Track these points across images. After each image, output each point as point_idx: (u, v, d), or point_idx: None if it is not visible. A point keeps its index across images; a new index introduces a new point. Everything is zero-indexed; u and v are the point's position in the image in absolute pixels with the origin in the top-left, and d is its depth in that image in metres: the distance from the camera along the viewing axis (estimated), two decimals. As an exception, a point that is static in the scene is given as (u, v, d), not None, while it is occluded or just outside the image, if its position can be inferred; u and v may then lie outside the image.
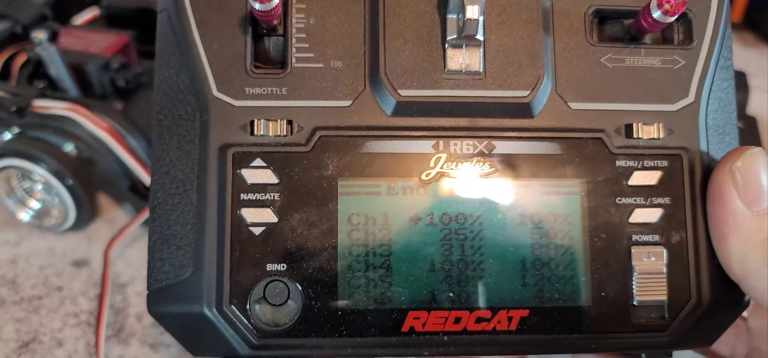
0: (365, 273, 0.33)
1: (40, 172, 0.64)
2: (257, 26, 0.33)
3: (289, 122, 0.33)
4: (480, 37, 0.33)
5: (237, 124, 0.33)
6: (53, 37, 0.72)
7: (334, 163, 0.33)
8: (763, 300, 0.31)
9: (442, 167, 0.33)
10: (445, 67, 0.33)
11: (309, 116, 0.33)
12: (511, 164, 0.33)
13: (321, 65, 0.33)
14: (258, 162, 0.33)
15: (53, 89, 0.71)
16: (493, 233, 0.33)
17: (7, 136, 0.67)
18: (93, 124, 0.65)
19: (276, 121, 0.33)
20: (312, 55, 0.33)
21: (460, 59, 0.33)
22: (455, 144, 0.33)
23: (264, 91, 0.33)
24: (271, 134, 0.33)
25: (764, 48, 0.96)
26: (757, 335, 0.38)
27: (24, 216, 0.70)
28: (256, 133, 0.32)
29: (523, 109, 0.33)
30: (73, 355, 0.60)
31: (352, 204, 0.33)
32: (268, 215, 0.32)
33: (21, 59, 0.75)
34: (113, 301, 0.64)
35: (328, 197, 0.33)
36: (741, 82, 0.84)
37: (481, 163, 0.33)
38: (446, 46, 0.33)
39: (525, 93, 0.33)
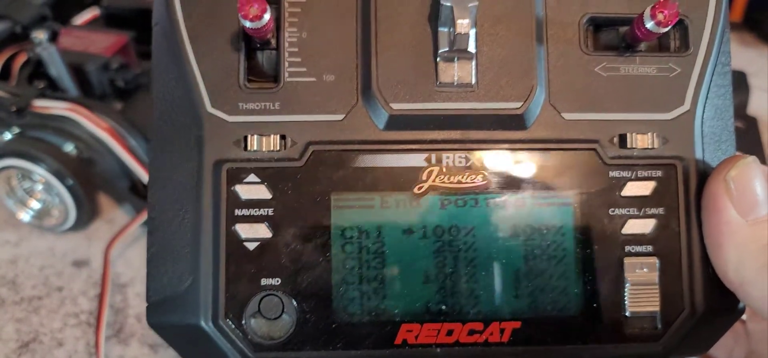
0: (359, 286, 0.33)
1: (40, 172, 0.64)
2: (250, 40, 0.33)
3: (282, 137, 0.33)
4: (472, 49, 0.33)
5: (231, 139, 0.33)
6: (53, 37, 0.72)
7: (327, 177, 0.33)
8: (759, 308, 0.31)
9: (434, 180, 0.33)
10: (437, 79, 0.33)
11: (302, 131, 0.33)
12: (503, 176, 0.33)
13: (313, 79, 0.33)
14: (252, 178, 0.33)
15: (53, 89, 0.71)
16: (486, 245, 0.33)
17: (7, 136, 0.68)
18: (93, 125, 0.66)
19: (269, 136, 0.33)
20: (304, 69, 0.33)
21: (452, 72, 0.33)
22: (448, 157, 0.33)
23: (257, 106, 0.33)
24: (264, 149, 0.33)
25: (764, 48, 0.96)
26: (756, 338, 0.38)
27: (24, 216, 0.70)
28: (249, 148, 0.33)
29: (516, 121, 0.33)
30: (73, 355, 0.60)
31: (345, 218, 0.33)
32: (262, 231, 0.32)
33: (21, 59, 0.75)
34: (113, 301, 0.64)
35: (321, 212, 0.33)
36: (741, 82, 0.84)
37: (474, 176, 0.33)
38: (438, 59, 0.33)
39: (517, 104, 0.33)
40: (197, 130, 0.33)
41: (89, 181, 0.67)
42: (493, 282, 0.33)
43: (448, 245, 0.33)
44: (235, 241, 0.32)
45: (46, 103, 0.67)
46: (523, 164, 0.33)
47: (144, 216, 0.66)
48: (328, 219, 0.33)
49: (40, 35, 0.69)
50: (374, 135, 0.33)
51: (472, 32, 0.32)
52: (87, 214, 0.68)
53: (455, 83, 0.33)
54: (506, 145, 0.33)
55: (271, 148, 0.33)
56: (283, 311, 0.32)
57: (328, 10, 0.33)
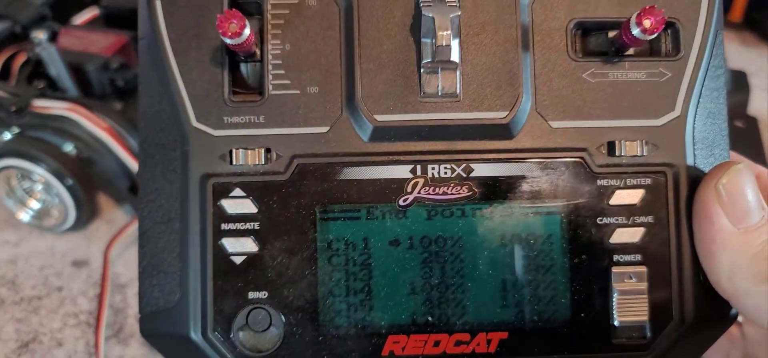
0: (346, 298, 0.33)
1: (39, 172, 0.64)
2: (234, 53, 0.33)
3: (267, 150, 0.33)
4: (455, 59, 0.32)
5: (216, 153, 0.33)
6: (53, 37, 0.72)
7: (312, 190, 0.33)
8: (754, 317, 0.31)
9: (420, 192, 0.33)
10: (421, 90, 0.33)
11: (287, 144, 0.33)
12: (490, 187, 0.33)
13: (297, 92, 0.33)
14: (237, 192, 0.33)
15: (53, 89, 0.71)
16: (472, 255, 0.33)
17: (7, 136, 0.68)
18: (93, 124, 0.66)
19: (254, 149, 0.33)
20: (288, 81, 0.33)
21: (436, 82, 0.33)
22: (433, 168, 0.33)
23: (242, 119, 0.33)
24: (249, 163, 0.33)
25: (764, 48, 0.96)
26: (752, 341, 0.38)
27: (24, 216, 0.70)
28: (234, 162, 0.33)
29: (501, 130, 0.33)
30: (73, 355, 0.60)
31: (331, 230, 0.33)
32: (248, 244, 0.33)
33: (21, 59, 0.75)
34: (113, 301, 0.64)
35: (307, 224, 0.33)
36: (741, 82, 0.84)
37: (460, 186, 0.33)
38: (422, 70, 0.33)
39: (503, 114, 0.33)
40: (183, 144, 0.33)
41: (89, 181, 0.67)
42: (480, 293, 0.33)
43: (434, 256, 0.33)
44: (222, 255, 0.33)
45: (46, 103, 0.67)
46: (510, 174, 0.33)
47: (143, 216, 0.66)
48: (314, 232, 0.33)
49: (39, 35, 0.69)
50: (359, 147, 0.33)
51: (455, 43, 0.32)
52: (87, 214, 0.68)
53: (439, 94, 0.33)
54: (492, 155, 0.33)
55: (256, 162, 0.33)
56: (270, 323, 0.33)
57: (311, 23, 0.33)
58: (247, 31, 0.30)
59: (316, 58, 0.33)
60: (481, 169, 0.33)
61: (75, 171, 0.65)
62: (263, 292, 0.33)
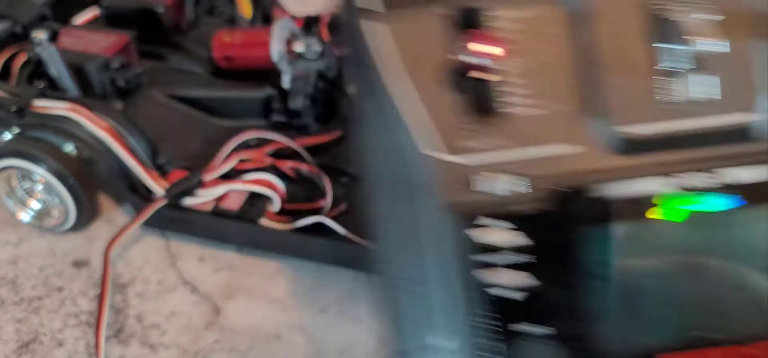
0: (621, 321, 0.31)
1: (40, 172, 0.64)
2: (465, 73, 0.32)
3: (517, 175, 0.31)
4: (705, 65, 0.31)
5: (462, 181, 0.31)
6: (53, 37, 0.71)
7: (571, 212, 0.31)
8: None
9: (679, 203, 0.31)
10: (667, 98, 0.32)
11: (537, 166, 0.31)
12: (751, 193, 0.31)
13: (539, 111, 0.32)
14: (494, 221, 0.31)
15: (53, 89, 0.71)
16: (738, 264, 0.32)
17: (7, 136, 0.67)
18: (93, 124, 0.65)
19: (501, 175, 0.31)
20: (528, 101, 0.32)
21: (684, 88, 0.32)
22: (688, 178, 0.31)
23: (484, 144, 0.31)
24: (500, 190, 0.31)
25: None
26: None
27: (24, 216, 0.70)
28: (484, 190, 0.31)
29: (750, 133, 0.32)
30: (73, 355, 0.60)
31: (596, 253, 0.31)
32: (514, 278, 0.31)
33: (21, 59, 0.75)
34: (113, 301, 0.64)
35: (572, 250, 0.31)
36: None
37: (722, 195, 0.31)
38: (665, 76, 0.32)
39: (752, 116, 0.32)
40: (421, 175, 0.31)
41: (89, 181, 0.67)
42: (750, 302, 0.32)
43: (704, 270, 0.32)
44: (482, 289, 0.31)
45: (46, 103, 0.67)
46: (765, 178, 0.31)
47: (144, 216, 0.66)
48: (581, 255, 0.31)
49: (40, 35, 0.69)
50: (612, 163, 0.31)
51: (702, 46, 0.31)
52: (87, 214, 0.68)
53: (689, 100, 0.32)
54: (746, 159, 0.32)
55: (506, 189, 0.31)
56: None
57: (544, 37, 0.32)
58: (496, 50, 0.29)
59: (554, 73, 0.32)
60: (736, 176, 0.32)
61: (75, 171, 0.65)
62: (538, 326, 0.31)
